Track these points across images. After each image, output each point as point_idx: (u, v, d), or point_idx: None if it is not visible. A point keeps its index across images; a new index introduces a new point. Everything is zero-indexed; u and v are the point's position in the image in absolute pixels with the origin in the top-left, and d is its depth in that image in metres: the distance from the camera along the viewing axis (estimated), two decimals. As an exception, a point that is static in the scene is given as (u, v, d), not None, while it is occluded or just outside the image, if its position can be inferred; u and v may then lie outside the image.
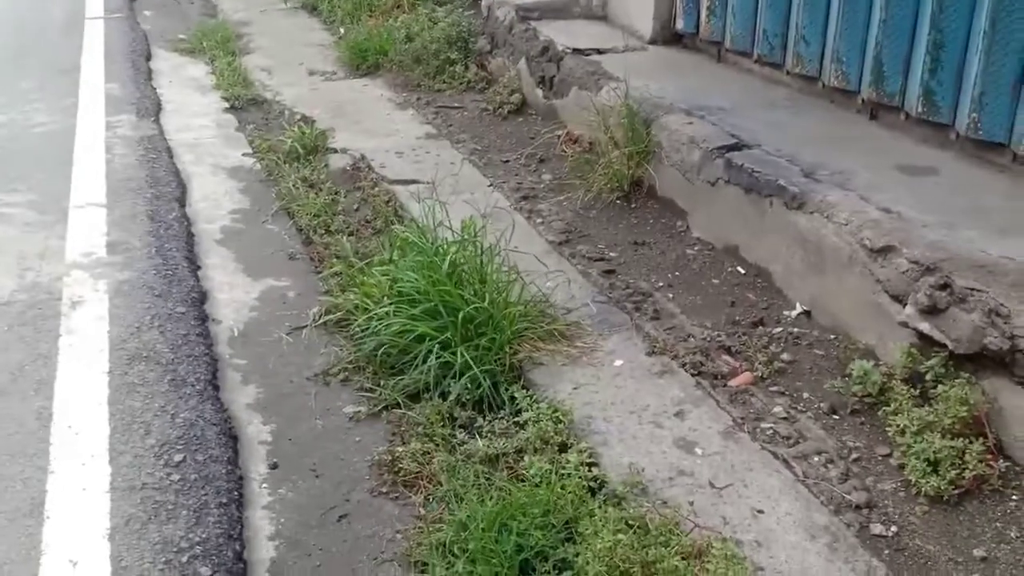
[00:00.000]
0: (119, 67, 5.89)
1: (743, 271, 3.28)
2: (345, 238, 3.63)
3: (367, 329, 2.88)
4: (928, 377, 2.43)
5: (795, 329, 2.93)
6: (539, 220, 3.73)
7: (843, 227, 2.78)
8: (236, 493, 2.25)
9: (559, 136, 4.48)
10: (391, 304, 2.89)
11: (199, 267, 3.47)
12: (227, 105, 5.33)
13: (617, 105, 3.91)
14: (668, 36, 4.81)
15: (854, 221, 2.76)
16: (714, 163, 3.39)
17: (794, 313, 3.02)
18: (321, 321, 3.10)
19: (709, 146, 3.43)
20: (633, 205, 3.79)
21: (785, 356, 2.80)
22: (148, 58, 6.22)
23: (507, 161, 4.33)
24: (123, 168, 4.26)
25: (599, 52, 4.73)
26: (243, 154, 4.62)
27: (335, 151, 4.57)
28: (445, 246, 3.01)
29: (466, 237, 3.04)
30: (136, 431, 2.44)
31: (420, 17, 6.11)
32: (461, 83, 5.35)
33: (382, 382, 2.75)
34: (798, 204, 2.97)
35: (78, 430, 2.45)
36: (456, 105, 5.10)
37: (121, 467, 2.30)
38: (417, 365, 2.71)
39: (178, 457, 2.34)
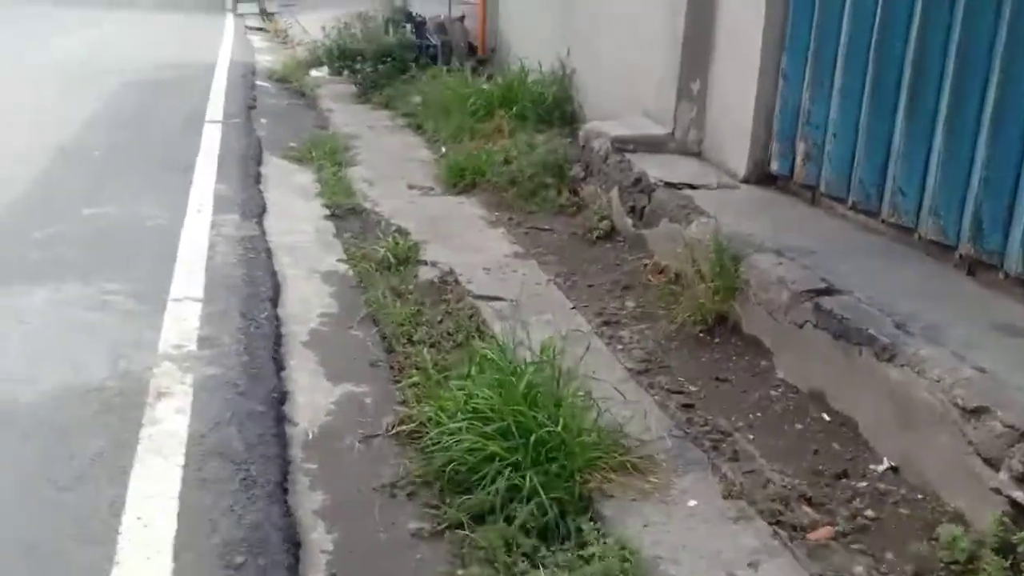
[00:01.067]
0: (230, 169, 6.22)
1: (828, 418, 3.18)
2: (426, 349, 3.67)
3: (438, 443, 2.87)
4: (1021, 549, 2.27)
5: (881, 485, 2.80)
6: (619, 347, 3.71)
7: (935, 384, 2.68)
8: (292, 602, 2.23)
9: (645, 265, 4.50)
10: (464, 420, 2.88)
11: (283, 367, 3.54)
12: (328, 212, 5.54)
13: (706, 239, 3.92)
14: (761, 176, 4.83)
15: (947, 378, 2.66)
16: (803, 306, 3.34)
17: (881, 468, 2.89)
18: (394, 431, 3.11)
19: (799, 288, 3.38)
20: (716, 340, 3.74)
21: (869, 512, 2.67)
22: (259, 163, 6.55)
23: (592, 285, 4.36)
24: (223, 266, 4.44)
25: (691, 187, 4.78)
26: (338, 260, 4.77)
27: (425, 263, 4.68)
28: (523, 366, 3.02)
29: (544, 359, 3.03)
30: (203, 528, 2.45)
31: (519, 142, 6.30)
32: (553, 207, 5.46)
33: (448, 500, 2.72)
34: (889, 356, 2.89)
35: (147, 522, 2.48)
36: (546, 227, 5.19)
37: (184, 564, 2.31)
38: (485, 485, 2.68)
39: (239, 559, 2.34)
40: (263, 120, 8.14)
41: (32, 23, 14.20)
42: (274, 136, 7.53)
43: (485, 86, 7.49)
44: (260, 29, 15.54)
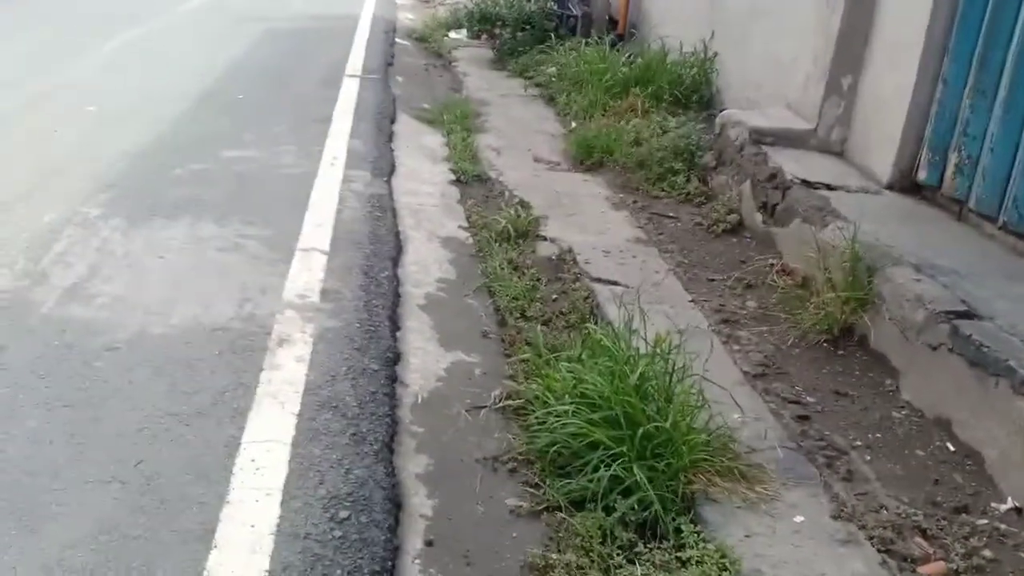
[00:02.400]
0: (365, 125, 6.34)
1: (953, 448, 3.02)
2: (539, 326, 3.67)
3: (543, 423, 2.87)
4: None
5: (1002, 525, 2.65)
6: (736, 347, 3.62)
7: (1080, 428, 2.51)
8: (390, 563, 2.27)
9: (772, 264, 4.36)
10: (572, 404, 2.87)
11: (399, 328, 3.60)
12: (453, 177, 5.58)
13: (842, 246, 3.76)
14: (906, 184, 4.60)
15: (1095, 424, 2.48)
16: (939, 327, 3.17)
17: (1004, 507, 2.73)
18: (500, 405, 3.12)
19: (936, 308, 3.21)
20: (840, 352, 3.60)
21: (987, 553, 2.53)
22: (392, 120, 6.66)
23: (713, 280, 4.25)
24: (350, 220, 4.54)
25: (829, 188, 4.59)
26: (459, 226, 4.81)
27: (544, 239, 4.66)
28: (636, 356, 2.97)
29: (659, 352, 2.98)
30: (311, 478, 2.52)
31: (651, 123, 6.19)
32: (680, 194, 5.34)
33: (548, 481, 2.72)
34: (1029, 391, 2.72)
35: (260, 465, 2.57)
36: (671, 215, 5.09)
37: (290, 511, 2.38)
38: (587, 472, 2.66)
39: (344, 513, 2.39)
40: (399, 78, 8.25)
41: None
42: (409, 95, 7.63)
43: (622, 62, 7.36)
44: (404, -13, 15.72)
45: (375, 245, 4.29)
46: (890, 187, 4.63)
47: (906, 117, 4.51)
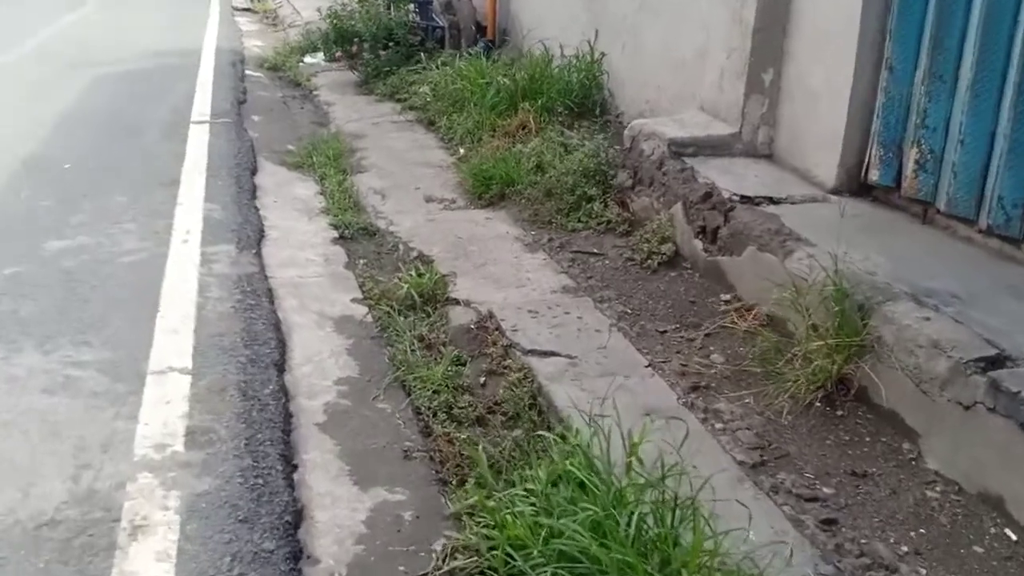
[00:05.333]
0: (221, 183, 5.41)
1: (1014, 537, 2.42)
2: (474, 433, 2.93)
3: (512, 597, 2.12)
4: None
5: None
6: (719, 426, 2.94)
7: None
8: None
9: (726, 302, 3.73)
10: (548, 566, 2.13)
11: (295, 466, 2.78)
12: (336, 234, 4.75)
13: (816, 279, 3.14)
14: (855, 187, 4.05)
15: None
16: (969, 380, 2.57)
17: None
18: (447, 570, 2.35)
19: (962, 356, 2.61)
20: (840, 413, 2.97)
21: None
22: (253, 172, 5.74)
23: (664, 332, 3.58)
24: (216, 318, 3.65)
25: (772, 201, 3.99)
26: (352, 299, 4.00)
27: (457, 302, 3.90)
28: (621, 488, 2.25)
29: (651, 481, 2.26)
30: None
31: (551, 143, 5.50)
32: (600, 223, 4.66)
33: None
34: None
35: None
36: (595, 251, 4.39)
37: None
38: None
39: None
40: (255, 118, 7.31)
41: (12, 7, 13.20)
42: (269, 137, 6.71)
43: (503, 75, 6.64)
44: (247, 9, 14.59)
45: (252, 348, 3.43)
46: (837, 191, 4.07)
47: (848, 111, 3.96)
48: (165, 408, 2.98)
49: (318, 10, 9.11)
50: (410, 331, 3.65)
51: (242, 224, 4.73)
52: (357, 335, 3.68)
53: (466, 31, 8.76)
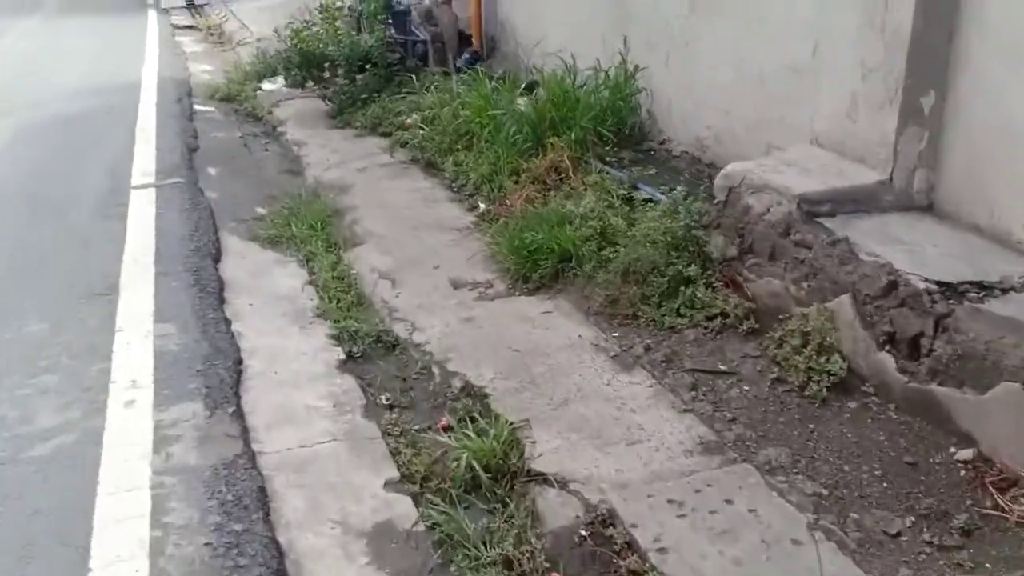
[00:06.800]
0: (176, 283, 4.02)
1: None
2: None
3: None
4: None
5: None
6: None
7: None
8: None
9: (964, 464, 2.47)
10: None
11: None
12: (341, 354, 3.43)
13: None
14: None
15: None
16: None
17: None
18: None
19: None
20: None
21: None
22: (217, 258, 4.36)
23: (897, 536, 2.29)
24: (181, 561, 2.31)
25: (981, 287, 2.74)
26: (386, 483, 2.68)
27: (545, 479, 2.61)
28: None
29: None
30: None
31: (603, 192, 4.22)
32: (709, 317, 3.36)
33: None
34: None
35: None
36: (723, 369, 3.10)
37: None
38: None
39: None
40: (211, 170, 5.90)
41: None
42: (232, 197, 5.33)
43: (521, 101, 5.32)
44: (190, 27, 13.06)
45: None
46: (1064, 263, 2.82)
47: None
48: None
49: (275, 30, 7.68)
50: (485, 545, 2.35)
51: (210, 356, 3.36)
52: (407, 566, 2.36)
53: (450, 43, 7.43)
